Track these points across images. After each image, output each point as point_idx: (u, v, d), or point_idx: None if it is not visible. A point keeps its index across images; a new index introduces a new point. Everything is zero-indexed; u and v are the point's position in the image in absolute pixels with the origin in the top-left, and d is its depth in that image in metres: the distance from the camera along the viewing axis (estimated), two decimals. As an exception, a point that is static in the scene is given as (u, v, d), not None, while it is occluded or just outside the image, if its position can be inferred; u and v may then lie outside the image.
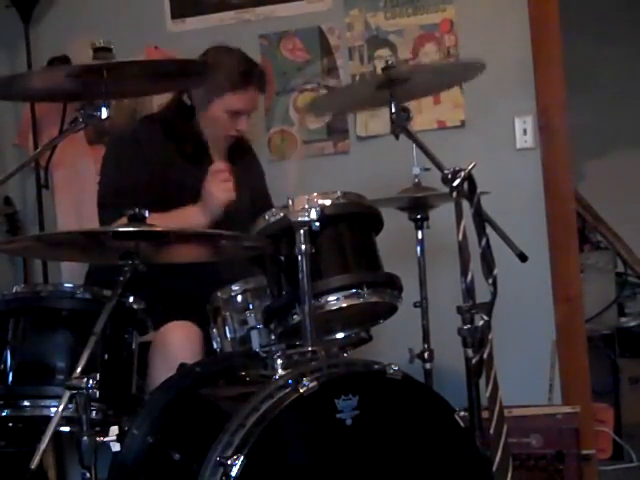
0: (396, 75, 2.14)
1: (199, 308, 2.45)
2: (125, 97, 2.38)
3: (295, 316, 2.04)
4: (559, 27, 3.17)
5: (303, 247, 1.98)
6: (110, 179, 2.68)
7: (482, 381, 1.86)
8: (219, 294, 2.38)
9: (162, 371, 2.29)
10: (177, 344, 2.41)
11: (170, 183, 2.66)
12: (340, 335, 2.21)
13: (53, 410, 1.96)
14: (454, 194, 1.89)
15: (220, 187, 2.53)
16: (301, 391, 1.70)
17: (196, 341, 2.46)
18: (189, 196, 2.64)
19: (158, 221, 2.27)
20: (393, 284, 2.14)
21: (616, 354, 4.01)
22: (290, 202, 2.04)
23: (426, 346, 2.64)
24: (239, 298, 2.37)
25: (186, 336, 2.45)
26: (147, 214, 1.96)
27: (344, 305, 2.06)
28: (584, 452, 2.72)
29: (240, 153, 2.88)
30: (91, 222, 2.76)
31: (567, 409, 2.74)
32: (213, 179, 2.54)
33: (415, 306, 2.62)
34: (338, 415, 1.73)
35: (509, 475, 1.81)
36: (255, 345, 2.31)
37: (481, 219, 1.89)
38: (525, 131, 3.19)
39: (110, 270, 2.01)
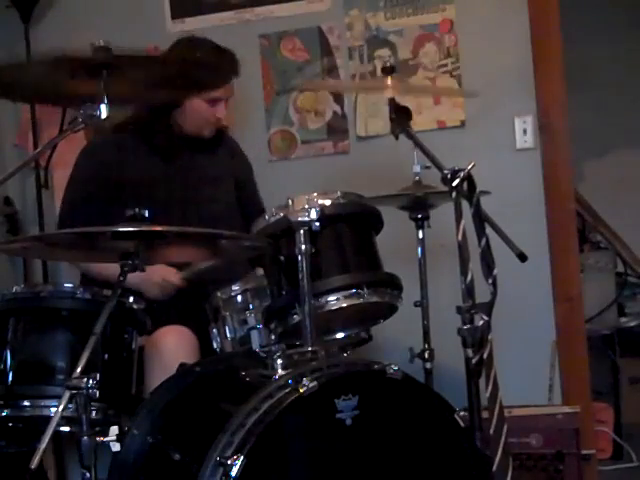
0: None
1: (195, 312, 2.45)
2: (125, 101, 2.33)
3: (295, 316, 2.04)
4: (559, 27, 3.17)
5: (303, 247, 1.98)
6: (69, 197, 2.70)
7: (482, 381, 1.86)
8: (219, 294, 2.38)
9: (157, 376, 2.29)
10: (171, 348, 2.40)
11: (143, 183, 2.65)
12: (340, 335, 2.22)
13: (53, 410, 1.97)
14: (454, 194, 1.89)
15: (159, 289, 2.54)
16: (301, 391, 1.70)
17: (189, 345, 2.45)
18: (160, 196, 2.63)
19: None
20: (393, 284, 2.14)
21: (616, 354, 4.01)
22: (290, 202, 2.04)
23: (426, 346, 2.64)
24: (239, 298, 2.37)
25: (180, 340, 2.44)
26: (147, 214, 1.95)
27: (344, 305, 2.06)
28: (584, 452, 2.72)
29: (222, 145, 2.86)
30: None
31: (567, 409, 2.74)
32: (163, 282, 2.53)
33: (415, 306, 2.61)
34: (338, 415, 1.73)
35: (509, 475, 1.81)
36: (255, 345, 2.31)
37: (481, 219, 1.89)
38: (525, 131, 3.19)
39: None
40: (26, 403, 2.08)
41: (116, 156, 2.66)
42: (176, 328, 2.47)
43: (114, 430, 1.91)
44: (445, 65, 3.23)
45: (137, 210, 1.94)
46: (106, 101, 1.90)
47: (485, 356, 1.84)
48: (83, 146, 2.83)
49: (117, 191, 2.61)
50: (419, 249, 2.64)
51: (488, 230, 1.93)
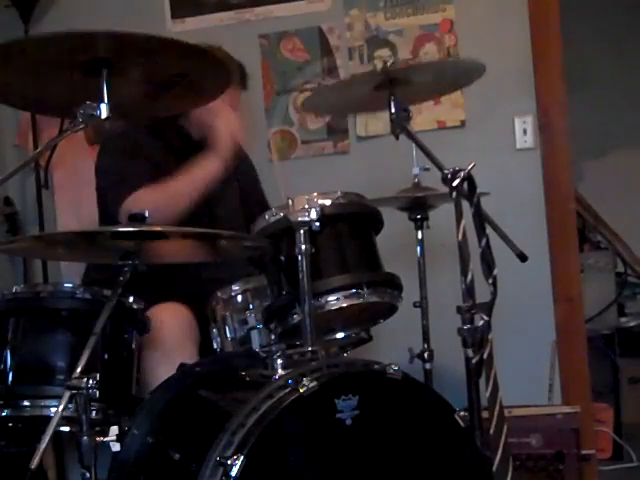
0: (395, 75, 2.14)
1: (190, 290, 2.44)
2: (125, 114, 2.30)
3: (295, 316, 2.04)
4: (559, 27, 3.17)
5: (303, 247, 1.98)
6: (110, 165, 2.68)
7: (482, 381, 1.86)
8: (219, 294, 2.39)
9: (153, 353, 2.31)
10: (167, 325, 2.40)
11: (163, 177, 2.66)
12: (340, 335, 2.21)
13: (53, 410, 1.96)
14: (454, 194, 1.88)
15: (224, 121, 2.55)
16: (301, 391, 1.70)
17: (186, 321, 2.45)
18: None
19: (173, 186, 2.42)
20: (393, 284, 2.14)
21: (616, 354, 4.02)
22: (290, 202, 2.04)
23: (426, 346, 2.64)
24: (239, 298, 2.37)
25: (175, 316, 2.44)
26: (147, 214, 1.95)
27: (344, 305, 2.06)
28: (584, 452, 2.72)
29: None
30: (91, 222, 2.77)
31: (567, 409, 2.74)
32: (215, 115, 2.54)
33: (415, 306, 2.61)
34: (338, 415, 1.73)
35: (509, 475, 1.81)
36: (255, 345, 2.32)
37: (481, 219, 1.89)
38: (525, 131, 3.19)
39: (108, 268, 2.01)
40: (26, 403, 2.08)
41: (134, 149, 2.67)
42: (172, 305, 2.47)
43: (114, 430, 1.92)
44: (445, 65, 3.23)
45: (136, 210, 1.94)
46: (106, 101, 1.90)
47: (485, 356, 1.84)
48: (103, 138, 2.84)
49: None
50: (418, 249, 2.65)
51: (488, 230, 1.93)
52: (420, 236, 2.64)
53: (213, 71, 1.97)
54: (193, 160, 2.69)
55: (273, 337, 2.16)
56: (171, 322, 2.43)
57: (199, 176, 2.53)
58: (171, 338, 2.35)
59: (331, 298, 2.05)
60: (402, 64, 3.10)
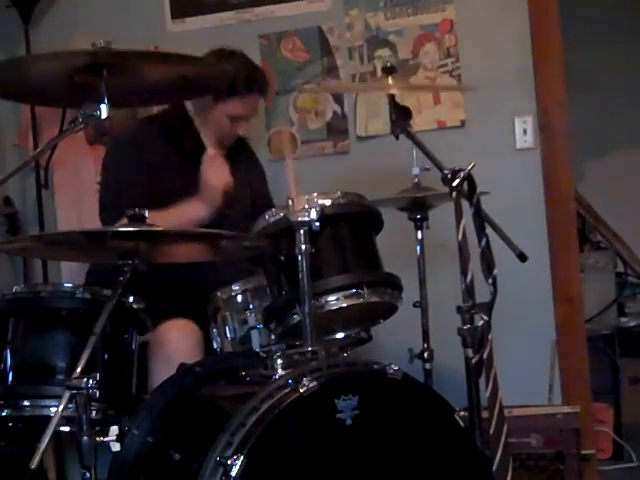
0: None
1: (198, 306, 2.45)
2: (126, 105, 2.33)
3: (295, 316, 2.04)
4: (559, 27, 3.17)
5: (303, 247, 1.98)
6: (111, 181, 2.69)
7: (482, 381, 1.86)
8: (219, 294, 2.38)
9: (161, 370, 2.30)
10: (175, 342, 2.42)
11: (171, 184, 2.67)
12: (340, 335, 2.21)
13: (53, 410, 1.96)
14: (454, 194, 1.89)
15: (216, 172, 2.53)
16: (301, 391, 1.70)
17: (194, 339, 2.46)
18: (190, 196, 2.66)
19: (158, 219, 2.29)
20: (393, 284, 2.14)
21: (616, 354, 4.02)
22: (290, 202, 2.04)
23: (426, 346, 2.64)
24: (239, 298, 2.37)
25: (184, 334, 2.46)
26: (147, 214, 1.95)
27: (344, 305, 2.06)
28: (584, 452, 2.72)
29: (239, 152, 2.89)
30: (91, 222, 2.77)
31: (567, 409, 2.74)
32: (208, 165, 2.54)
33: (415, 306, 2.61)
34: (338, 415, 1.73)
35: (509, 475, 1.81)
36: (255, 345, 2.31)
37: (481, 219, 1.89)
38: (525, 131, 3.19)
39: (111, 269, 2.01)
40: (26, 403, 2.09)
41: (146, 153, 2.68)
42: (180, 322, 2.48)
43: (114, 430, 1.92)
44: (445, 65, 3.23)
45: (137, 210, 1.94)
46: (106, 101, 1.90)
47: (485, 356, 1.84)
48: (116, 137, 2.82)
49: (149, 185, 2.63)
50: (418, 249, 2.64)
51: (488, 230, 1.93)
52: (420, 236, 2.63)
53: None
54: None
55: (273, 337, 2.16)
56: (179, 340, 2.44)
57: (187, 218, 2.50)
58: (178, 355, 2.35)
59: (331, 298, 2.05)
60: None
